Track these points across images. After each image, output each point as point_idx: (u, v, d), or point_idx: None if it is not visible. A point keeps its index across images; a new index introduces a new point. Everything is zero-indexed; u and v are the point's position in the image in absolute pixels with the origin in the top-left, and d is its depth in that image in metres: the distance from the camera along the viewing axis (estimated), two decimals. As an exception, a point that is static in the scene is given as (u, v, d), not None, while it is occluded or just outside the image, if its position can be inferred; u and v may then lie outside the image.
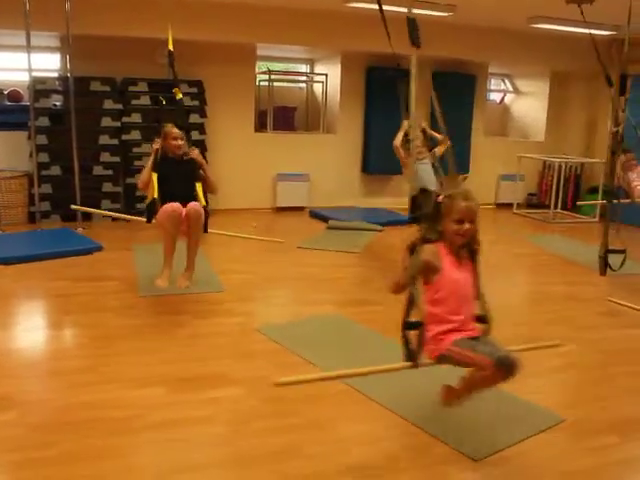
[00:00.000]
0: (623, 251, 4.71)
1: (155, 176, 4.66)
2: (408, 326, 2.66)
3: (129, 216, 5.85)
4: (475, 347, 2.61)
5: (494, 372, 2.54)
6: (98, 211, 6.42)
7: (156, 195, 4.60)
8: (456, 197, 2.69)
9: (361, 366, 3.57)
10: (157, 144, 4.75)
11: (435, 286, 2.70)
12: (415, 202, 2.81)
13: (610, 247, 4.97)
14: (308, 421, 3.01)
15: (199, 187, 4.76)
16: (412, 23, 2.89)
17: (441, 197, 2.72)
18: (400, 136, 6.15)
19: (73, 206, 5.95)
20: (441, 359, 2.71)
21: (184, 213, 4.52)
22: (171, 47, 5.16)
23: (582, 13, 5.79)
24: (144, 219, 4.84)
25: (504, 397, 3.32)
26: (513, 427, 3.01)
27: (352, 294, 5.16)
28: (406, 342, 2.68)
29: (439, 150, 6.11)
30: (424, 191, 5.39)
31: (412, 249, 2.71)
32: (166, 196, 4.58)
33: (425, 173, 5.88)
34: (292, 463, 2.65)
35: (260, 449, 2.74)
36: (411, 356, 2.67)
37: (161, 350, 3.77)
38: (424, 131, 6.26)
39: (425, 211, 2.80)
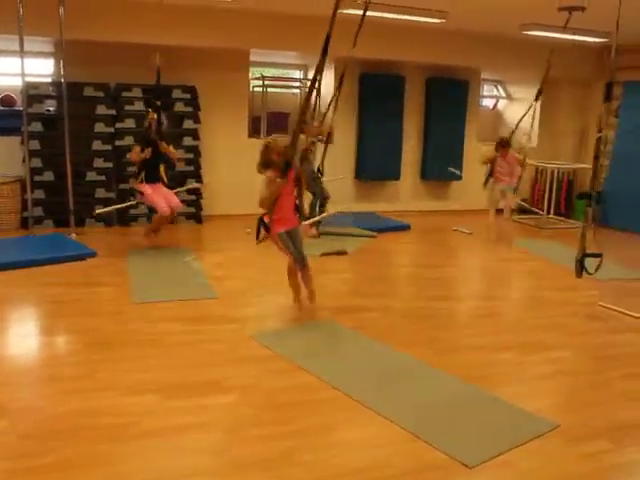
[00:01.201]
0: (599, 255, 4.77)
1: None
2: (262, 221, 4.41)
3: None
4: (288, 245, 4.44)
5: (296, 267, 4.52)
6: (116, 207, 6.90)
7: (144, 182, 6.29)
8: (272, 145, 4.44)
9: (355, 373, 3.59)
10: (147, 153, 6.13)
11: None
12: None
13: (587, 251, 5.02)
14: (302, 428, 3.00)
15: (162, 168, 6.44)
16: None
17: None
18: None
19: (98, 211, 6.65)
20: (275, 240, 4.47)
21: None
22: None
23: (568, 21, 5.86)
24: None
25: (498, 404, 3.33)
26: (507, 433, 3.01)
27: (346, 300, 5.15)
28: (258, 228, 4.41)
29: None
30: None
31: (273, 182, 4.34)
32: (149, 172, 6.29)
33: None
34: (286, 470, 2.64)
35: (254, 456, 2.73)
36: (257, 236, 4.43)
37: (155, 357, 3.76)
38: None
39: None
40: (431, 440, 2.90)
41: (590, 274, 4.74)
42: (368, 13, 5.84)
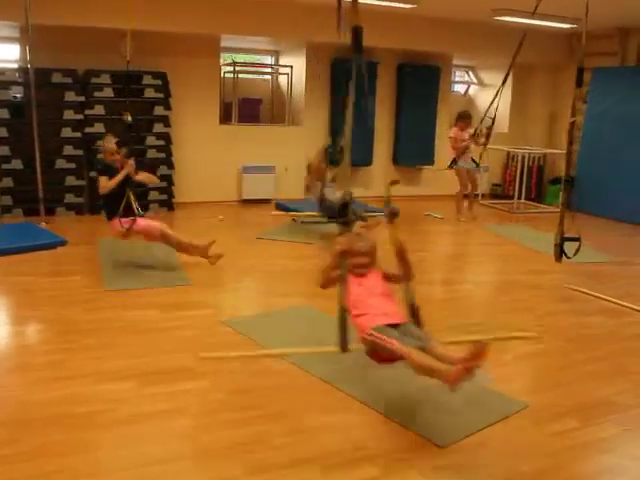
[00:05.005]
0: (578, 239, 4.83)
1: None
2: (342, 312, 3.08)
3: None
4: (393, 336, 2.88)
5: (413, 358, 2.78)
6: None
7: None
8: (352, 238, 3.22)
9: (329, 357, 3.61)
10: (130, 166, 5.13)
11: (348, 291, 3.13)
12: (345, 207, 3.19)
13: (566, 235, 5.09)
14: (275, 412, 3.02)
15: (131, 196, 5.13)
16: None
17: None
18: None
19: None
20: (366, 344, 3.02)
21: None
22: (129, 57, 5.15)
23: (537, 7, 5.89)
24: None
25: (469, 385, 3.36)
26: (478, 414, 3.06)
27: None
28: (341, 329, 3.07)
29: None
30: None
31: (344, 252, 3.14)
32: (116, 201, 5.06)
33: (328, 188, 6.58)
34: (259, 454, 2.66)
35: (227, 441, 2.75)
36: (341, 342, 3.06)
37: (128, 344, 3.74)
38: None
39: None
40: (403, 421, 2.94)
41: (569, 258, 4.82)
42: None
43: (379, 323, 2.97)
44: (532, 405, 3.17)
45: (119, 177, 5.08)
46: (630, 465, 2.75)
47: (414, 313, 3.13)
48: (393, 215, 3.20)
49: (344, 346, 3.05)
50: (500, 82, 10.13)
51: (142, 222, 5.16)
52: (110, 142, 5.23)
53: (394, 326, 2.98)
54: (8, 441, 2.66)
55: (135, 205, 5.12)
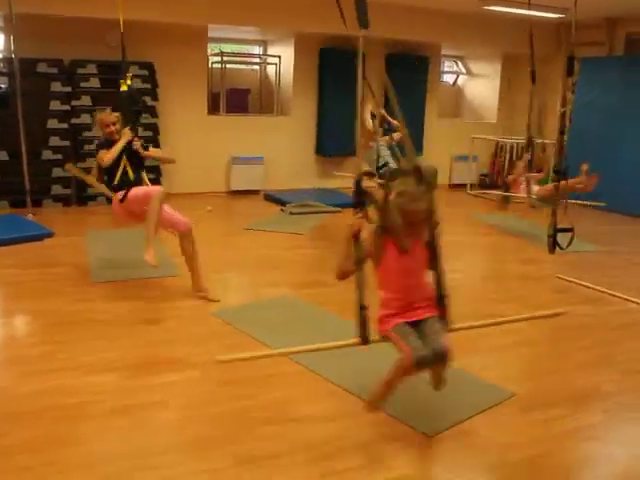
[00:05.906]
0: (571, 229, 4.84)
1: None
2: (360, 308, 2.80)
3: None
4: (407, 337, 2.70)
5: (410, 368, 2.66)
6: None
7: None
8: (405, 197, 2.72)
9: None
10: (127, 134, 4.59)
11: (379, 271, 2.86)
12: (358, 187, 2.93)
13: (558, 226, 5.11)
14: (262, 402, 3.02)
15: (127, 164, 4.63)
16: (361, 3, 2.90)
17: (392, 195, 2.75)
18: (368, 116, 6.30)
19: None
20: (386, 339, 2.87)
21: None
22: (121, 28, 4.92)
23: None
24: None
25: (458, 374, 3.38)
26: (465, 403, 3.08)
27: (307, 276, 5.18)
28: (360, 322, 2.81)
29: (396, 136, 6.32)
30: (382, 167, 5.77)
31: (356, 236, 2.78)
32: (116, 179, 4.60)
33: (384, 152, 6.20)
34: (247, 445, 2.66)
35: (215, 432, 2.75)
36: (361, 333, 2.82)
37: (115, 336, 3.73)
38: (382, 116, 6.35)
39: (372, 197, 2.92)
40: (391, 411, 2.94)
41: (562, 249, 4.84)
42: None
43: (401, 321, 2.77)
44: (519, 394, 3.19)
45: (118, 146, 4.51)
46: (618, 452, 2.78)
47: (442, 305, 2.86)
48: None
49: (364, 339, 2.82)
50: (489, 72, 10.15)
51: (140, 190, 4.56)
52: (105, 113, 4.64)
53: (416, 323, 2.77)
54: (-2, 434, 2.66)
55: (133, 174, 4.57)
